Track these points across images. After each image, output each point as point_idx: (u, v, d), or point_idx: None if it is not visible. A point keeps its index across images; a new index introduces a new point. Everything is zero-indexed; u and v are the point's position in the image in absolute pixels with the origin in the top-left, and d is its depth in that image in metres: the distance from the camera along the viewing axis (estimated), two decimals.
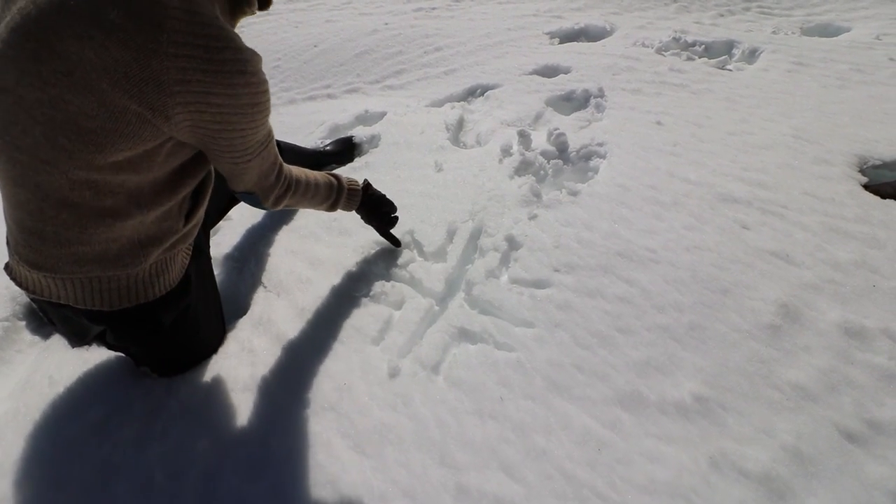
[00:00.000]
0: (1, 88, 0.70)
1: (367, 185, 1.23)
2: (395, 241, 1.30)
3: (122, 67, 0.66)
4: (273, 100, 2.35)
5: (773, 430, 0.87)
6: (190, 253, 1.01)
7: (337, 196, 1.12)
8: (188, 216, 0.91)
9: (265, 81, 0.77)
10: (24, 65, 0.67)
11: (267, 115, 0.81)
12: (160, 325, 0.93)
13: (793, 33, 2.75)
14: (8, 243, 0.86)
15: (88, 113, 0.68)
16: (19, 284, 0.87)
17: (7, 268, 0.88)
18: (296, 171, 1.02)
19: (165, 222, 0.86)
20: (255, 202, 0.96)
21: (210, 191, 0.97)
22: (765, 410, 0.90)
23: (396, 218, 1.27)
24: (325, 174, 1.12)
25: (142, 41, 0.65)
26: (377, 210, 1.23)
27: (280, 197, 0.97)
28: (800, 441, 0.85)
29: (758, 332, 1.02)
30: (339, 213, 1.22)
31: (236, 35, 0.73)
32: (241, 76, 0.71)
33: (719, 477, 0.81)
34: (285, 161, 1.00)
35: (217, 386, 1.02)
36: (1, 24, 0.69)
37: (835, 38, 2.59)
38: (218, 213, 1.31)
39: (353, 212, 1.21)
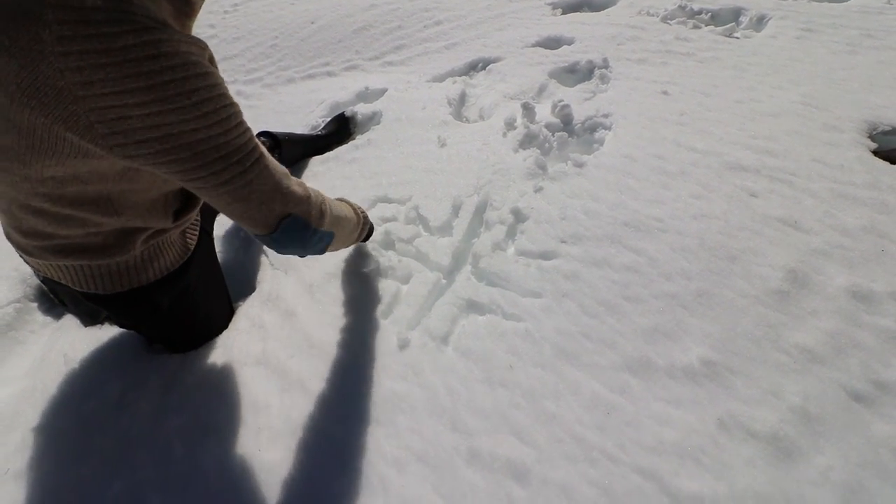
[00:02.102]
0: None
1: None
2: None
3: (13, 78, 0.56)
4: (271, 79, 2.32)
5: (781, 392, 0.88)
6: (195, 235, 1.00)
7: (359, 219, 1.04)
8: (177, 214, 0.86)
9: (197, 63, 0.60)
10: None
11: (223, 105, 0.63)
12: (157, 307, 0.93)
13: None
14: (4, 233, 0.87)
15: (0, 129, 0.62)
16: (27, 262, 0.88)
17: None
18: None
19: (152, 218, 0.82)
20: (304, 229, 0.76)
21: None
22: (773, 373, 0.90)
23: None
24: (342, 201, 1.03)
25: (24, 44, 0.54)
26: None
27: (321, 209, 0.81)
28: (807, 402, 0.86)
29: (765, 297, 1.02)
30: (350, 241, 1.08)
31: (143, 9, 0.58)
32: (152, 62, 0.56)
33: (727, 437, 0.83)
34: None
35: (230, 360, 1.03)
36: None
37: (844, 3, 2.51)
38: None
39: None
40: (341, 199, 1.04)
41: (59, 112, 0.57)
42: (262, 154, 0.70)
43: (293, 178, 0.78)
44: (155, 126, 0.59)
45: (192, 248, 0.97)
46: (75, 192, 0.70)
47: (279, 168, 0.74)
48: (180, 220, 0.88)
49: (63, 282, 0.86)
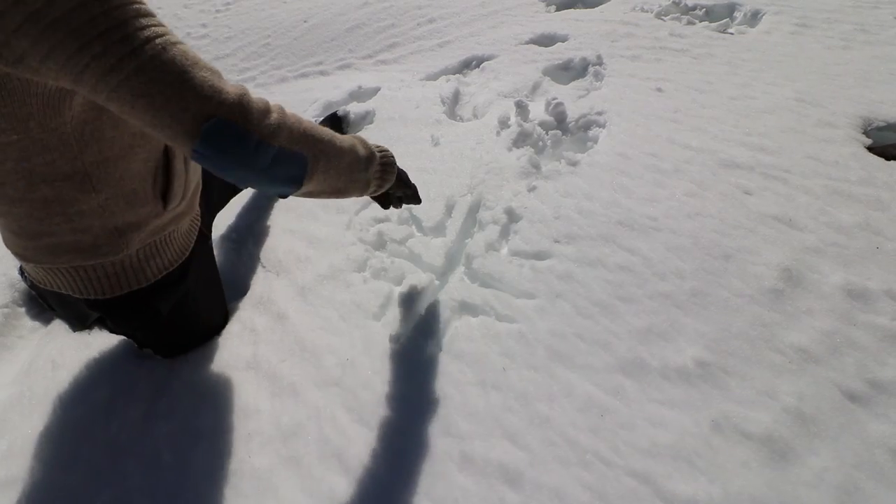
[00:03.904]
0: None
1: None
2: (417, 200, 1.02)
3: None
4: (264, 78, 2.31)
5: (776, 393, 0.87)
6: (196, 231, 0.99)
7: (368, 161, 0.79)
8: (165, 196, 0.84)
9: None
10: None
11: None
12: (157, 312, 0.92)
13: None
14: (2, 239, 0.86)
15: None
16: (28, 274, 0.87)
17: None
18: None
19: (141, 207, 0.80)
20: (240, 139, 0.60)
21: (182, 165, 0.86)
22: (767, 373, 0.90)
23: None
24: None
25: None
26: (408, 186, 0.97)
27: (278, 122, 0.63)
28: (802, 402, 0.85)
29: (760, 296, 1.01)
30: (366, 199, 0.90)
31: None
32: None
33: (722, 439, 0.82)
34: None
35: (220, 365, 1.02)
36: None
37: None
38: (222, 196, 1.28)
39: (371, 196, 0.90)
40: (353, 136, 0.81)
41: None
42: (159, 35, 0.57)
43: (226, 79, 0.63)
44: (21, 3, 0.52)
45: (190, 247, 0.96)
46: (44, 163, 0.68)
47: (193, 57, 0.59)
48: (170, 204, 0.85)
49: (64, 291, 0.84)
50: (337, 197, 0.79)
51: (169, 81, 0.57)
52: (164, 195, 0.84)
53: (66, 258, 0.79)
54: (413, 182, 1.00)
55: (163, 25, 0.60)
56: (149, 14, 0.58)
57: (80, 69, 0.55)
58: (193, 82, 0.58)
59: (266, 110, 0.64)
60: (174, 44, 0.58)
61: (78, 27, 0.53)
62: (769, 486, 0.76)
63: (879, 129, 1.51)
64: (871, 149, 1.42)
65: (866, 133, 1.49)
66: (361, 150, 0.78)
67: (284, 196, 0.72)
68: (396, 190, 0.94)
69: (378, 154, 0.83)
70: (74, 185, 0.72)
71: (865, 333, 0.95)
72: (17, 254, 0.83)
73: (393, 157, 0.88)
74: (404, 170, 0.96)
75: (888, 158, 1.37)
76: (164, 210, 0.85)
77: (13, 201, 0.73)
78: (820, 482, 0.76)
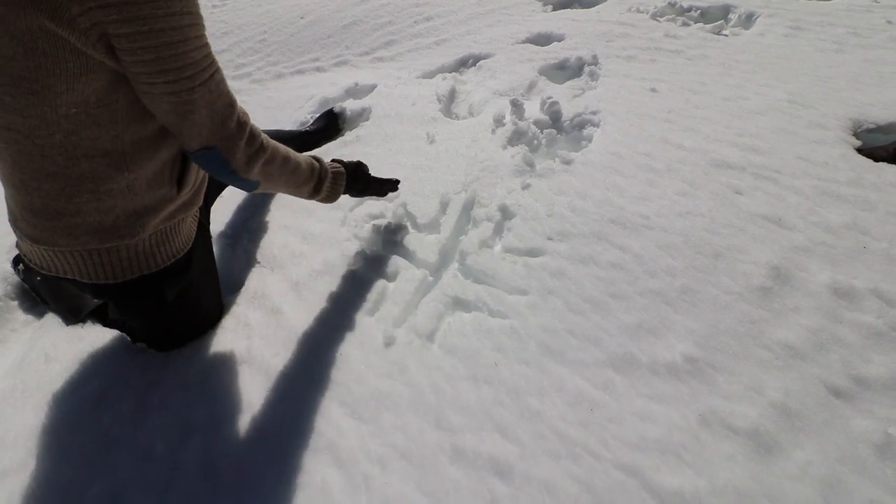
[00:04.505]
0: None
1: (356, 166, 1.13)
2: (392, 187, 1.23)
3: None
4: (260, 74, 2.30)
5: (762, 388, 0.88)
6: (196, 222, 1.00)
7: (319, 178, 1.01)
8: (180, 181, 0.88)
9: None
10: None
11: (195, 14, 0.70)
12: (163, 298, 0.94)
13: None
14: (11, 221, 0.86)
15: (8, 54, 0.64)
16: (29, 261, 0.87)
17: (18, 246, 0.89)
18: (272, 140, 0.91)
19: (159, 190, 0.84)
20: (221, 166, 0.81)
21: None
22: (754, 369, 0.91)
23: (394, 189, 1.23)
24: (306, 155, 1.01)
25: None
26: (368, 191, 1.17)
27: (253, 157, 0.83)
28: (788, 398, 0.87)
29: (749, 294, 1.03)
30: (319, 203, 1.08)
31: None
32: None
33: (709, 433, 0.83)
34: None
35: (214, 359, 1.03)
36: None
37: (832, 1, 2.53)
38: (217, 187, 1.29)
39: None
40: (312, 156, 1.02)
41: (49, 6, 0.61)
42: (212, 77, 0.74)
43: (243, 118, 0.81)
44: (135, 17, 0.63)
45: (193, 236, 0.98)
46: (90, 138, 0.73)
47: (229, 98, 0.78)
48: (183, 190, 0.90)
49: (71, 275, 0.85)
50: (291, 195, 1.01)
51: (203, 115, 0.75)
52: (179, 181, 0.88)
53: (83, 240, 0.81)
54: (391, 178, 1.22)
55: (212, 54, 0.75)
56: (209, 52, 0.74)
57: (149, 85, 0.70)
58: (218, 124, 0.77)
59: (249, 158, 0.82)
60: (216, 79, 0.75)
61: (165, 56, 0.67)
62: (754, 479, 0.78)
63: (869, 131, 1.53)
64: (860, 150, 1.44)
65: (856, 135, 1.51)
66: (306, 178, 0.98)
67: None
68: (363, 193, 1.16)
69: (330, 171, 1.04)
70: (112, 162, 0.76)
71: (851, 331, 0.96)
72: (29, 235, 0.82)
73: (343, 170, 1.08)
74: (373, 177, 1.17)
75: (877, 160, 1.39)
76: (177, 195, 0.88)
77: (48, 176, 0.75)
78: (804, 475, 0.78)
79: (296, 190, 0.99)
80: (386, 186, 1.21)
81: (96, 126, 0.73)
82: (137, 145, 0.78)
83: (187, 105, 0.72)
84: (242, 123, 0.80)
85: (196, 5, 0.71)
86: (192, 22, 0.69)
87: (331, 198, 1.07)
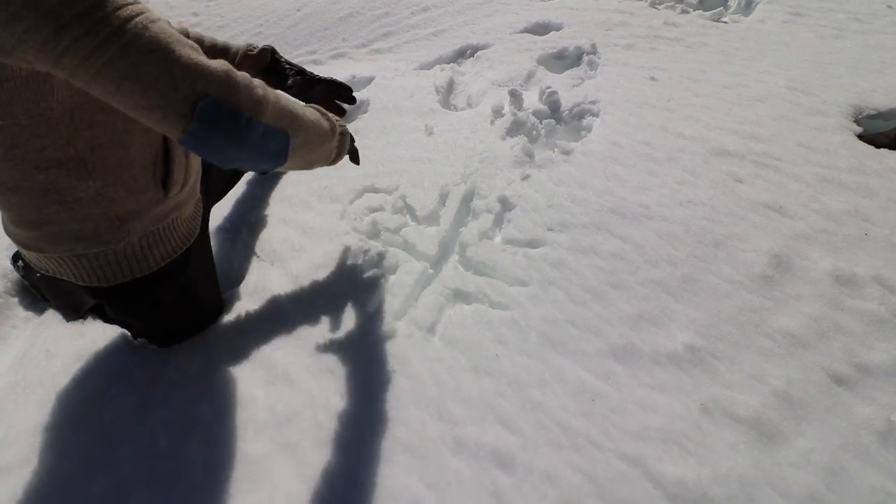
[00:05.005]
0: None
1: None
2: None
3: None
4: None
5: (764, 377, 0.88)
6: (198, 223, 0.98)
7: (331, 133, 0.84)
8: (165, 183, 0.83)
9: None
10: None
11: None
12: (158, 300, 0.93)
13: None
14: (3, 227, 0.85)
15: None
16: (28, 262, 0.87)
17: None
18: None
19: (142, 194, 0.80)
20: (230, 118, 0.60)
21: (183, 151, 0.85)
22: (756, 358, 0.91)
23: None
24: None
25: None
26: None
27: (261, 96, 0.64)
28: (790, 386, 0.87)
29: (750, 282, 1.02)
30: (328, 170, 0.98)
31: None
32: None
33: (711, 422, 0.83)
34: None
35: (214, 354, 1.02)
36: None
37: None
38: (222, 187, 1.28)
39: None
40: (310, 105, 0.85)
41: None
42: (138, 13, 0.56)
43: (205, 56, 0.61)
44: None
45: (194, 234, 0.95)
46: (35, 149, 0.67)
47: (175, 34, 0.58)
48: (171, 191, 0.84)
49: (65, 277, 0.84)
50: (306, 168, 0.84)
51: (155, 61, 0.55)
52: (165, 182, 0.83)
53: (67, 247, 0.79)
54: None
55: (139, 3, 0.58)
56: None
57: (59, 53, 0.54)
58: (181, 61, 0.57)
59: (250, 86, 0.64)
60: (154, 21, 0.57)
61: (52, 8, 0.52)
62: (757, 467, 0.78)
63: (870, 117, 1.52)
64: (861, 137, 1.43)
65: (857, 121, 1.50)
66: (325, 123, 0.82)
67: (265, 172, 0.73)
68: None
69: (337, 125, 0.87)
70: (69, 172, 0.71)
71: (853, 318, 0.96)
72: (18, 242, 0.83)
73: (345, 125, 0.91)
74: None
75: (878, 146, 1.38)
76: (165, 197, 0.84)
77: (10, 190, 0.73)
78: (806, 463, 0.78)
79: (321, 144, 0.80)
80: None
81: (37, 137, 0.67)
82: (97, 151, 0.72)
83: (123, 59, 0.54)
84: (227, 72, 0.62)
85: None
86: None
87: (340, 155, 0.91)
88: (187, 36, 1.03)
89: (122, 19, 0.54)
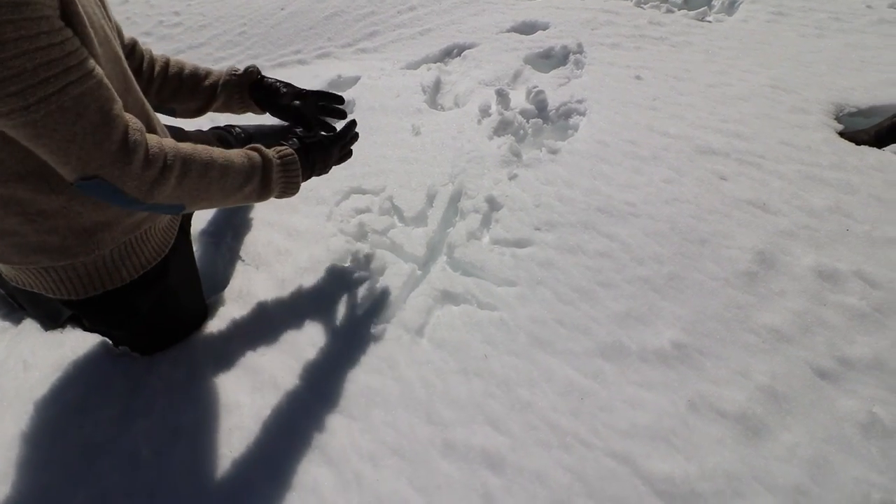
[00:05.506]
0: None
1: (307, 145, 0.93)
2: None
3: None
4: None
5: (749, 372, 0.89)
6: (174, 231, 0.96)
7: (265, 172, 0.83)
8: None
9: None
10: None
11: (21, 6, 0.53)
12: (136, 310, 0.90)
13: None
14: None
15: None
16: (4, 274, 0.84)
17: None
18: (185, 145, 0.74)
19: (110, 207, 0.76)
20: (115, 196, 0.66)
21: None
22: (741, 354, 0.92)
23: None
24: (241, 149, 0.83)
25: None
26: (331, 160, 0.98)
27: (158, 180, 0.67)
28: (775, 381, 0.88)
29: (735, 279, 1.03)
30: (277, 199, 0.91)
31: None
32: None
33: (698, 418, 0.84)
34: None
35: (199, 360, 1.00)
36: None
37: None
38: None
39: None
40: (250, 147, 0.85)
41: None
42: (63, 91, 0.58)
43: (133, 136, 0.64)
44: None
45: (170, 243, 0.93)
46: None
47: (102, 114, 0.61)
48: None
49: (37, 290, 0.82)
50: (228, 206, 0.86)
51: (57, 139, 0.59)
52: None
53: (33, 258, 0.76)
54: (347, 124, 1.03)
55: (71, 63, 0.59)
56: (54, 60, 0.57)
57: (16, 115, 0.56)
58: (74, 145, 0.60)
59: (148, 173, 0.67)
60: (76, 94, 0.59)
61: (28, 87, 0.55)
62: (743, 461, 0.79)
63: (850, 114, 1.55)
64: (842, 134, 1.45)
65: (838, 119, 1.52)
66: (248, 174, 0.81)
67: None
68: (328, 166, 0.98)
69: (276, 159, 0.86)
70: (29, 185, 0.69)
71: (835, 313, 0.97)
72: None
73: (294, 155, 0.89)
74: (328, 139, 0.98)
75: (858, 143, 1.40)
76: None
77: None
78: (792, 456, 0.79)
79: (238, 196, 0.80)
80: (348, 138, 1.02)
81: None
82: (45, 164, 0.68)
83: (28, 128, 0.57)
84: (131, 143, 0.64)
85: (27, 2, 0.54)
86: (9, 18, 0.52)
87: (289, 190, 0.89)
88: (160, 66, 1.01)
89: (37, 98, 0.57)
